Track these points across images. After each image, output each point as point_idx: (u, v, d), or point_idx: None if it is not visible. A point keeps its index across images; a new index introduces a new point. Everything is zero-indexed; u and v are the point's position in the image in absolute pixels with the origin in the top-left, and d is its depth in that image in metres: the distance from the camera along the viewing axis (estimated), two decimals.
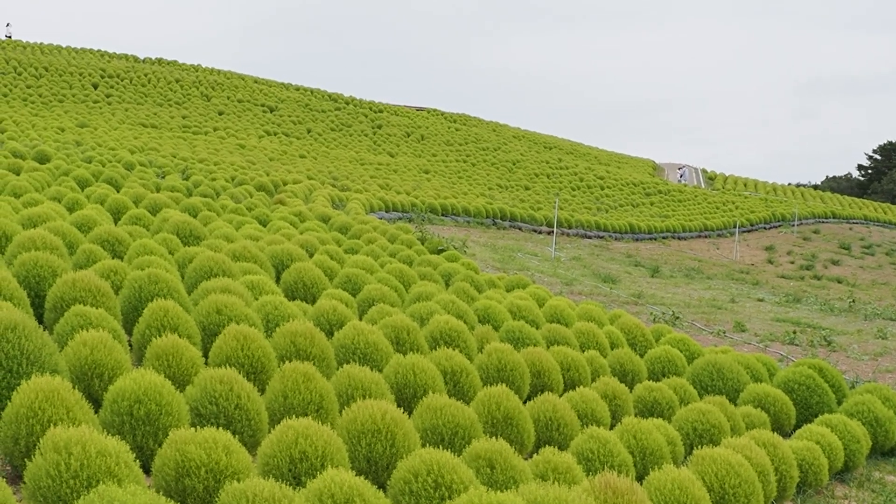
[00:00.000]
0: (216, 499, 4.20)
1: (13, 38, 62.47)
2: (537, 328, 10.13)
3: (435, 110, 72.25)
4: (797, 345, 15.05)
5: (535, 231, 32.40)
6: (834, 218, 53.53)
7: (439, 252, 16.64)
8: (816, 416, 9.25)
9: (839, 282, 30.60)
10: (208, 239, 11.55)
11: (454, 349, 7.90)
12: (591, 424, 6.94)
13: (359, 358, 7.22)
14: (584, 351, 9.84)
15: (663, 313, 16.45)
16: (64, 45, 62.64)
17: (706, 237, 40.89)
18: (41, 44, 61.41)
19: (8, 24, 70.57)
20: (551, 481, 5.22)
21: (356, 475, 4.35)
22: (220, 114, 49.33)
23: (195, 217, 13.66)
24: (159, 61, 63.42)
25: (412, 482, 4.71)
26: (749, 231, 44.24)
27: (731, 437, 7.45)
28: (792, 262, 35.40)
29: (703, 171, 73.79)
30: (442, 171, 43.88)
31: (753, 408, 8.80)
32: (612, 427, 7.64)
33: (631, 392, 8.65)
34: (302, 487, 4.51)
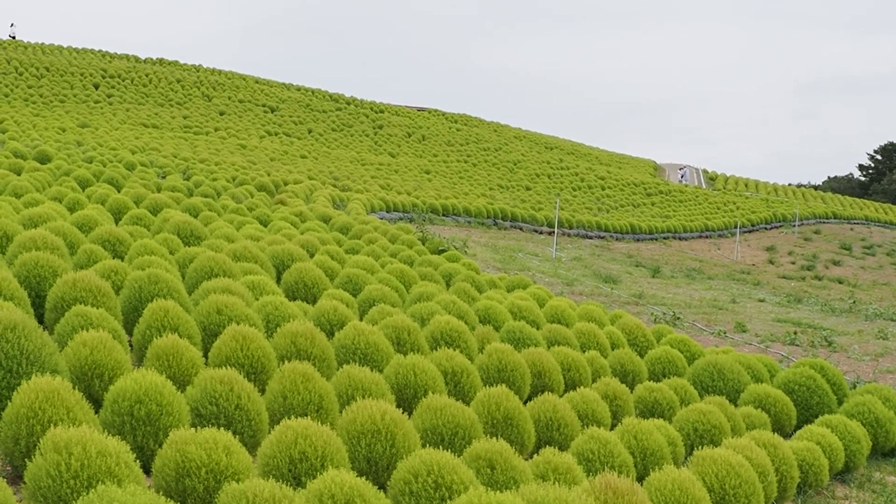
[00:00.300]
0: (216, 499, 4.20)
1: (17, 38, 62.53)
2: (538, 328, 10.13)
3: (436, 111, 72.25)
4: (798, 345, 15.04)
5: (536, 231, 32.40)
6: (835, 218, 53.52)
7: (440, 252, 16.64)
8: (817, 416, 9.24)
9: (840, 282, 30.59)
10: (209, 239, 11.55)
11: (455, 349, 7.90)
12: (592, 425, 6.94)
13: (359, 358, 7.22)
14: (584, 351, 9.83)
15: (664, 314, 16.44)
16: (65, 46, 62.67)
17: (707, 237, 40.89)
18: (42, 44, 61.45)
19: (12, 25, 70.93)
20: (552, 482, 5.22)
21: (356, 475, 4.35)
22: (222, 114, 49.35)
23: (196, 217, 13.67)
24: (160, 61, 63.45)
25: (412, 483, 4.70)
26: (750, 231, 44.24)
27: (732, 437, 7.44)
28: (793, 263, 35.39)
29: (704, 171, 73.76)
30: (443, 172, 43.89)
31: (754, 408, 8.80)
32: (612, 427, 7.63)
33: (631, 392, 8.64)
34: (302, 488, 4.52)
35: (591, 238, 33.86)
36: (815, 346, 15.02)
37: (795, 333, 15.84)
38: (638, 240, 36.18)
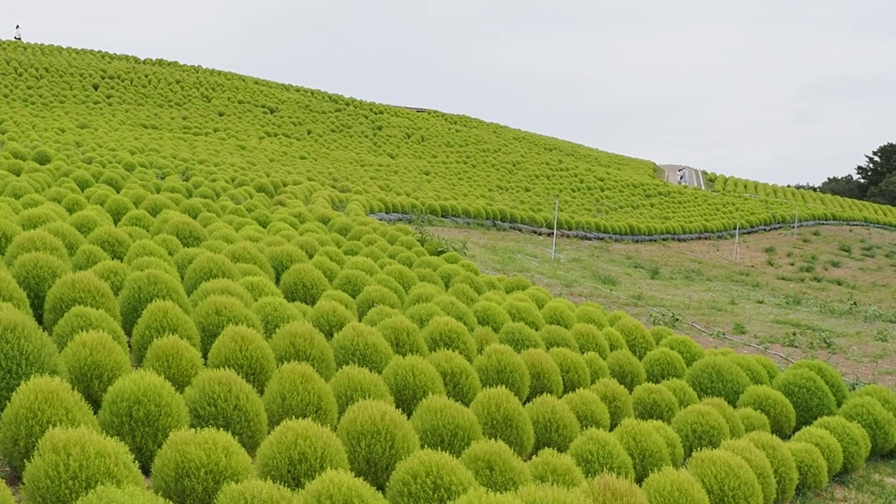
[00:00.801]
0: (215, 500, 4.20)
1: (21, 39, 62.59)
2: (537, 330, 10.13)
3: (435, 112, 72.27)
4: (797, 347, 15.04)
5: (535, 233, 32.41)
6: (834, 220, 53.56)
7: (439, 253, 16.64)
8: (816, 418, 9.24)
9: (839, 283, 30.62)
10: (208, 240, 11.55)
11: (454, 350, 7.90)
12: (591, 426, 6.94)
13: (358, 359, 7.22)
14: (583, 353, 9.84)
15: (663, 315, 16.44)
16: (65, 46, 62.67)
17: (706, 239, 40.91)
18: (42, 45, 61.45)
19: (17, 27, 71.52)
20: (550, 483, 5.23)
21: (355, 476, 4.35)
22: (221, 115, 49.35)
23: (195, 218, 13.67)
24: (160, 62, 63.45)
25: (411, 483, 4.71)
26: (749, 233, 44.26)
27: (731, 438, 7.45)
28: (792, 264, 35.41)
29: (704, 172, 73.80)
30: (442, 173, 43.90)
31: (753, 410, 8.80)
32: (611, 429, 7.64)
33: (630, 394, 8.65)
34: (301, 489, 4.51)
35: (590, 239, 33.87)
36: (814, 347, 15.02)
37: (794, 335, 15.84)
38: (637, 241, 36.20)
